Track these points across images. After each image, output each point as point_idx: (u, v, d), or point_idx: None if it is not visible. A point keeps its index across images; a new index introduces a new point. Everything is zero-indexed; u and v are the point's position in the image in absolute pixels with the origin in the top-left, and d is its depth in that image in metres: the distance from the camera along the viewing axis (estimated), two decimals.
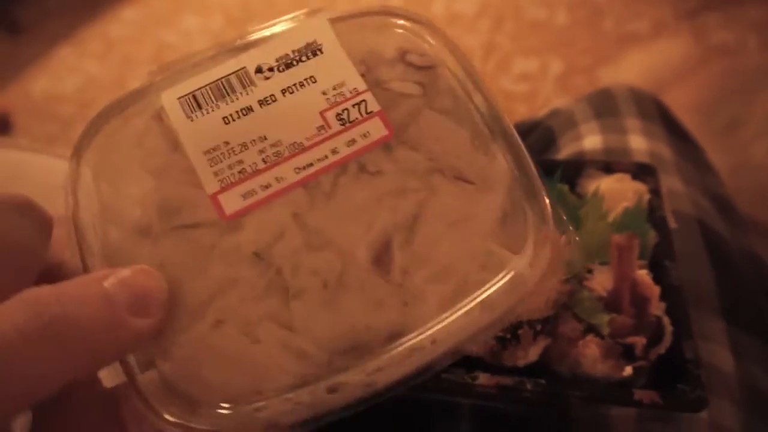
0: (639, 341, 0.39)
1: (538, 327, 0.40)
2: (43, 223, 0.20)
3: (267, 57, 0.24)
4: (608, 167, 0.52)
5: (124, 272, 0.19)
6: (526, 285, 0.22)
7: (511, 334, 0.40)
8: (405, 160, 0.23)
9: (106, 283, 0.18)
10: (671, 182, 0.57)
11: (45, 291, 0.17)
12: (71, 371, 0.16)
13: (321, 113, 0.24)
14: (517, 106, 1.79)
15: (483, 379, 0.40)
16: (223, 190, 0.22)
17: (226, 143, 0.23)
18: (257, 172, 0.22)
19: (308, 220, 0.22)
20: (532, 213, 0.24)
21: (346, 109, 0.23)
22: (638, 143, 0.60)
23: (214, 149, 0.23)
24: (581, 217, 0.47)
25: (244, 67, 0.24)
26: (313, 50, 0.24)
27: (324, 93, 0.24)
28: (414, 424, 0.45)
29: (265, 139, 0.23)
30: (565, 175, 0.52)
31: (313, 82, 0.24)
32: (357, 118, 0.23)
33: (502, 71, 1.87)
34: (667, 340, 0.40)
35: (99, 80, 2.04)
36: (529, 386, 0.39)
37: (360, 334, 0.21)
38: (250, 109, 0.23)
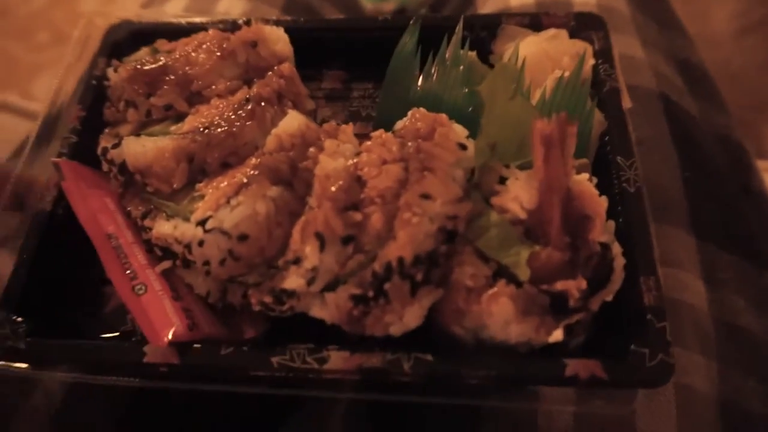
0: (574, 286, 0.25)
1: (418, 275, 0.25)
2: None
3: None
4: (536, 21, 0.35)
5: None
6: None
7: (374, 289, 0.25)
8: None
9: None
10: (626, 45, 0.42)
11: None
12: None
13: None
14: None
15: (336, 361, 0.25)
16: None
17: None
18: None
19: None
20: None
21: None
22: None
23: None
24: (486, 95, 0.31)
25: None
26: None
27: None
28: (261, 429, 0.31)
29: None
30: (474, 37, 0.35)
31: None
32: None
33: None
34: (617, 279, 0.26)
35: None
36: (407, 367, 0.25)
37: None
38: None
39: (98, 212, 0.30)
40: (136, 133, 0.30)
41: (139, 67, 0.31)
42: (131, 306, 0.27)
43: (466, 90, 0.33)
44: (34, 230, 0.30)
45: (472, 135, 0.29)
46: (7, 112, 1.15)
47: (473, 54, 0.34)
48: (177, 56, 0.31)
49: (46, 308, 0.29)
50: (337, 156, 0.28)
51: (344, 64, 0.39)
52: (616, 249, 0.26)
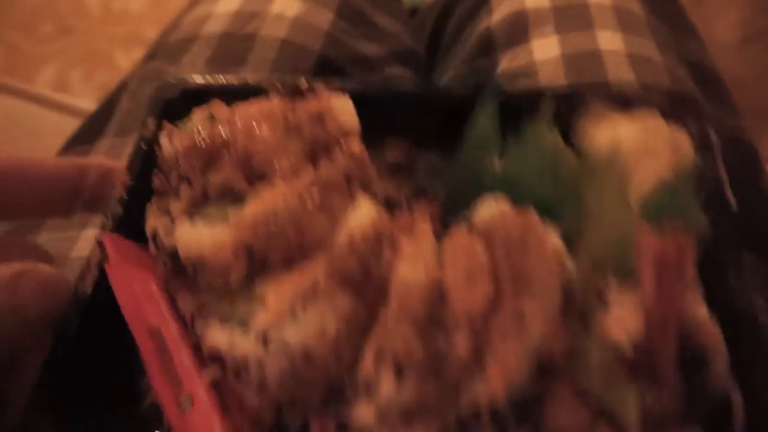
0: None
1: (510, 422, 0.21)
2: (60, 296, 0.26)
3: None
4: (624, 99, 0.32)
5: None
6: None
7: None
8: None
9: None
10: (643, 46, 0.43)
11: None
12: None
13: None
14: None
15: None
16: None
17: None
18: None
19: None
20: None
21: None
22: None
23: None
24: (586, 192, 0.28)
25: None
26: None
27: None
28: None
29: None
30: (555, 114, 0.32)
31: None
32: None
33: None
34: (738, 428, 0.22)
35: None
36: None
37: None
38: None
39: (143, 300, 0.27)
40: (190, 213, 0.27)
41: (196, 140, 0.28)
42: (175, 425, 0.24)
43: (551, 176, 0.30)
44: (69, 322, 0.27)
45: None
46: (8, 95, 1.13)
47: (558, 138, 0.31)
48: (238, 127, 0.29)
49: (76, 412, 0.26)
50: (417, 262, 0.24)
51: (408, 133, 0.36)
52: (737, 399, 0.23)
